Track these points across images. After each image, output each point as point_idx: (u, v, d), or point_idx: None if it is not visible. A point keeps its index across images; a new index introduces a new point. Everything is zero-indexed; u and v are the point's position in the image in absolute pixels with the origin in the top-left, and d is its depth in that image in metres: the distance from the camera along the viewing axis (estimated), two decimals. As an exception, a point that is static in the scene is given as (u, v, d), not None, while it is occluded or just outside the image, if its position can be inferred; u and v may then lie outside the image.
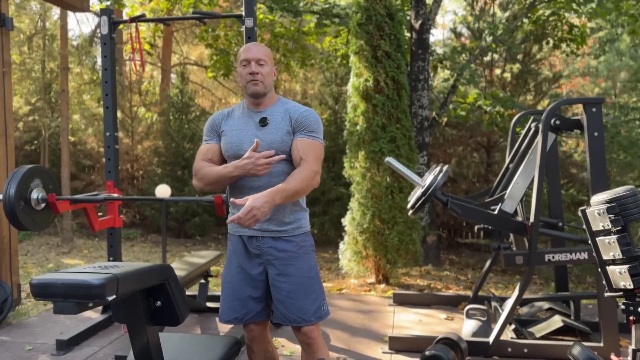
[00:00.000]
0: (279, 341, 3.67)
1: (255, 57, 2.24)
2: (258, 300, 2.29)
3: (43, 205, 3.57)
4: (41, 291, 1.54)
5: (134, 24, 4.19)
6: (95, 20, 12.72)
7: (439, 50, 8.76)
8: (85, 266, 1.69)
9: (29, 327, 4.04)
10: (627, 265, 2.14)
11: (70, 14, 9.37)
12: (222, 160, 2.34)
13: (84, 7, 4.99)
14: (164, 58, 11.77)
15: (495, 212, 3.66)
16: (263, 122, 2.25)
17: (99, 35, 5.55)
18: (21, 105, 9.78)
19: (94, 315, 4.08)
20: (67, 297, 1.52)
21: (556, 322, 3.71)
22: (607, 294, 2.28)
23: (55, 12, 10.72)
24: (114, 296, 1.53)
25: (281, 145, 2.21)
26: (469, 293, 4.82)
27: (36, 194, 3.52)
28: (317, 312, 2.25)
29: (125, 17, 4.84)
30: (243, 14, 3.85)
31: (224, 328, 4.03)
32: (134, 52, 4.37)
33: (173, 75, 12.09)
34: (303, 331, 2.25)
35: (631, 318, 2.19)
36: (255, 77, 2.23)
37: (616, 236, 2.17)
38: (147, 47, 9.40)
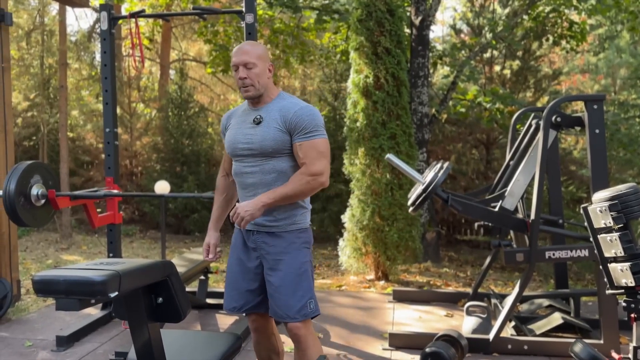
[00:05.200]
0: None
1: (243, 61, 2.23)
2: (255, 293, 2.36)
3: (43, 201, 3.56)
4: (43, 288, 1.54)
5: (133, 20, 4.17)
6: (93, 16, 12.66)
7: (439, 47, 8.75)
8: (87, 263, 1.69)
9: (29, 323, 4.04)
10: (629, 263, 2.14)
11: (68, 9, 9.32)
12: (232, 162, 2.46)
13: (83, 2, 4.97)
14: (162, 54, 11.73)
15: (496, 209, 3.66)
16: (257, 120, 2.28)
17: (99, 30, 5.52)
18: (20, 101, 9.75)
19: (94, 312, 4.07)
20: (69, 293, 1.51)
21: (556, 319, 3.71)
22: (608, 292, 2.28)
23: (54, 7, 10.67)
24: (117, 293, 1.53)
25: (273, 143, 2.24)
26: (469, 290, 4.83)
27: (36, 190, 3.51)
28: (303, 310, 2.25)
29: (124, 13, 4.82)
30: (243, 9, 3.83)
31: (224, 324, 4.03)
32: (134, 48, 4.35)
33: (172, 71, 12.05)
34: (289, 327, 2.28)
35: (632, 315, 2.19)
36: (244, 83, 2.24)
37: (618, 233, 2.17)
38: (146, 42, 9.38)
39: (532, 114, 4.20)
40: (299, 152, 2.23)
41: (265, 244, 2.31)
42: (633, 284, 2.13)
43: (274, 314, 2.31)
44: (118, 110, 9.40)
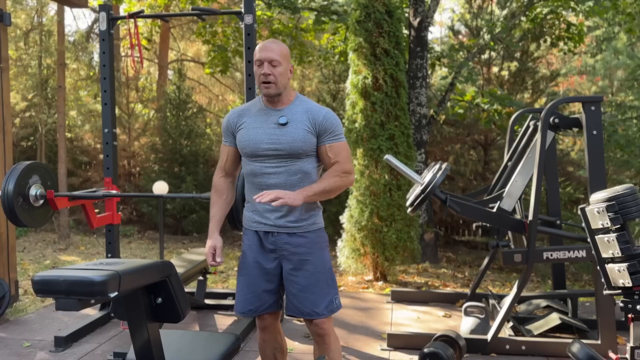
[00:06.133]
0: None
1: (269, 58, 2.23)
2: (271, 293, 2.38)
3: (41, 201, 3.56)
4: (43, 288, 1.54)
5: (132, 20, 4.17)
6: (92, 16, 12.66)
7: (437, 48, 8.77)
8: (86, 263, 1.69)
9: (27, 323, 4.03)
10: (626, 264, 2.15)
11: (67, 9, 9.32)
12: (236, 162, 2.43)
13: (81, 2, 4.97)
14: (161, 54, 11.73)
15: (494, 210, 3.67)
16: (283, 121, 2.27)
17: (98, 31, 5.51)
18: (18, 101, 9.73)
19: (92, 312, 4.07)
20: (69, 293, 1.51)
21: (554, 319, 3.72)
22: (605, 292, 2.29)
23: (52, 7, 10.67)
24: (116, 293, 1.53)
25: (302, 144, 2.26)
26: (467, 290, 4.84)
27: (35, 190, 3.51)
28: (330, 306, 2.34)
29: (122, 13, 4.82)
30: (242, 10, 3.84)
31: (223, 325, 4.04)
32: (132, 49, 4.36)
33: (170, 72, 12.05)
34: (315, 323, 2.34)
35: (630, 316, 2.20)
36: (267, 79, 2.23)
37: (615, 234, 2.19)
38: (144, 42, 9.38)
39: (530, 115, 4.21)
40: (328, 152, 2.29)
41: (289, 245, 2.32)
42: (630, 285, 2.14)
43: (297, 312, 2.34)
44: (116, 111, 9.38)
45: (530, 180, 3.65)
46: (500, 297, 4.25)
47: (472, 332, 3.72)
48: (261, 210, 2.34)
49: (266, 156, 2.28)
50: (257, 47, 2.30)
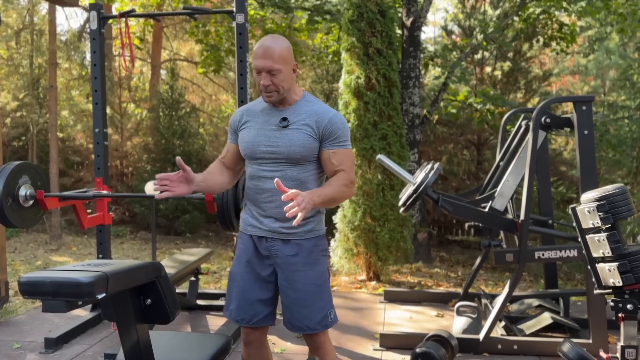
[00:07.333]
0: (270, 338, 3.66)
1: (267, 67, 2.05)
2: (266, 303, 2.24)
3: (31, 202, 3.53)
4: (30, 289, 1.52)
5: (123, 19, 4.15)
6: (84, 15, 12.60)
7: (430, 48, 8.77)
8: (74, 264, 1.67)
9: (17, 325, 4.00)
10: (616, 263, 2.16)
11: (58, 8, 9.25)
12: (236, 159, 2.29)
13: (72, 1, 4.94)
14: (153, 54, 11.68)
15: (486, 209, 3.67)
16: (283, 122, 2.13)
17: (88, 30, 5.48)
18: (9, 101, 9.66)
19: (82, 314, 4.04)
20: (56, 295, 1.50)
21: (545, 319, 3.73)
22: (596, 291, 2.30)
23: (44, 6, 10.59)
24: (104, 294, 1.51)
25: (301, 148, 2.11)
26: (459, 290, 4.84)
27: (24, 190, 3.48)
28: (324, 321, 2.19)
29: (114, 12, 4.79)
30: (234, 9, 3.82)
31: (214, 326, 4.02)
32: (124, 48, 4.33)
33: (163, 71, 12.00)
34: (309, 338, 2.23)
35: (620, 315, 2.21)
36: (267, 89, 2.09)
37: (606, 234, 2.19)
38: (136, 42, 9.33)
39: (522, 115, 4.22)
40: (332, 159, 2.12)
41: (282, 253, 2.18)
42: (621, 284, 2.15)
43: (290, 326, 2.22)
44: (108, 111, 9.34)
45: (522, 179, 3.66)
46: (492, 297, 4.26)
47: (465, 331, 3.73)
48: (256, 214, 2.22)
49: (264, 159, 2.15)
50: (255, 48, 2.10)
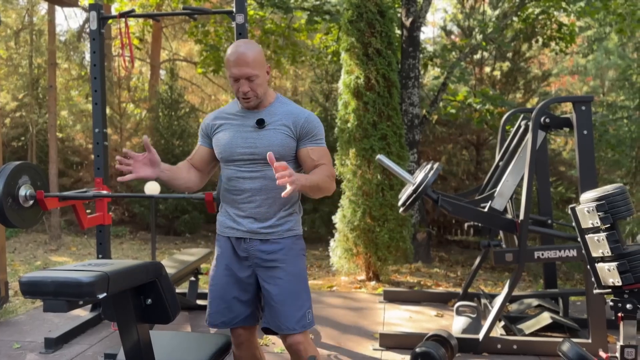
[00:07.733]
0: (269, 338, 3.67)
1: (245, 74, 2.08)
2: (246, 304, 2.23)
3: (31, 202, 3.53)
4: (31, 289, 1.52)
5: (123, 20, 4.15)
6: (83, 16, 12.59)
7: (430, 48, 8.79)
8: (75, 264, 1.67)
9: (17, 325, 4.00)
10: (616, 263, 2.16)
11: (58, 8, 9.25)
12: (205, 161, 2.29)
13: (72, 2, 4.94)
14: (153, 54, 11.69)
15: (485, 209, 3.67)
16: (260, 123, 2.15)
17: (88, 30, 5.48)
18: (8, 101, 9.67)
19: (82, 313, 4.05)
20: (57, 295, 1.50)
21: (545, 318, 3.74)
22: (595, 291, 2.30)
23: (43, 6, 10.59)
24: (105, 294, 1.51)
25: (280, 148, 2.13)
26: (459, 290, 4.85)
27: (24, 190, 3.48)
28: (302, 321, 2.17)
29: (114, 12, 4.79)
30: (234, 10, 3.83)
31: (215, 325, 4.02)
32: (124, 48, 4.33)
33: (162, 72, 12.01)
34: (289, 342, 2.20)
35: (619, 315, 2.21)
36: (246, 95, 2.12)
37: (605, 234, 2.19)
38: (136, 42, 9.33)
39: (522, 115, 4.23)
40: (311, 155, 2.17)
41: (261, 252, 2.19)
42: (620, 284, 2.15)
43: (272, 326, 2.20)
44: (108, 111, 9.34)
45: (522, 179, 3.66)
46: (492, 297, 4.27)
47: (464, 331, 3.73)
48: (234, 215, 2.22)
49: (242, 160, 2.17)
50: (228, 55, 2.11)
